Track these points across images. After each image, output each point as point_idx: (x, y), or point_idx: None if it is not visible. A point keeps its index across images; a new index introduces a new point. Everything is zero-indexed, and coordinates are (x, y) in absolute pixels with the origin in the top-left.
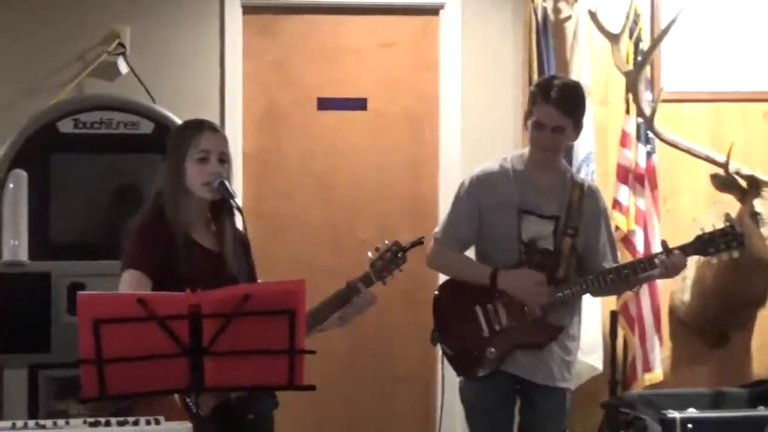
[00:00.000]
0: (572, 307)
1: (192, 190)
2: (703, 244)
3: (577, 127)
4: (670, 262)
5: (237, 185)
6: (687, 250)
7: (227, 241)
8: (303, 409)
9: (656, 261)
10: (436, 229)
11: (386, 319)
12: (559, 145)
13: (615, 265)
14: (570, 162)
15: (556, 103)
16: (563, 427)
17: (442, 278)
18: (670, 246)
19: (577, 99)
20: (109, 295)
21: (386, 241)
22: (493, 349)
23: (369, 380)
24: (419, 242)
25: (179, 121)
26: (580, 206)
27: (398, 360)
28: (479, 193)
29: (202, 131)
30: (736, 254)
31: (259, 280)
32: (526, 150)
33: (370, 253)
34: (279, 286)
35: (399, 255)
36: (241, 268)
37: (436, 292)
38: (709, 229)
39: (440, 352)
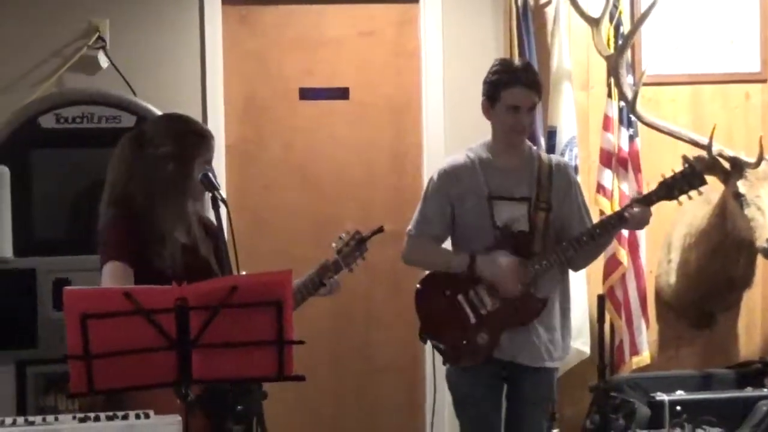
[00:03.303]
0: (555, 283)
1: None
2: (667, 189)
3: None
4: (637, 213)
5: (220, 177)
6: (653, 197)
7: (193, 227)
8: (290, 401)
9: (625, 215)
10: (410, 226)
11: (372, 310)
12: (533, 126)
13: (586, 228)
14: (553, 147)
15: (526, 83)
16: (552, 409)
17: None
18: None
19: (537, 76)
20: (95, 290)
21: (348, 229)
22: (483, 334)
23: (355, 371)
24: (379, 230)
25: (160, 114)
26: (550, 182)
27: (384, 350)
28: (448, 186)
29: (209, 144)
30: (700, 194)
31: (243, 272)
32: (489, 138)
33: (333, 243)
34: (266, 277)
35: (360, 245)
36: (209, 252)
37: (418, 287)
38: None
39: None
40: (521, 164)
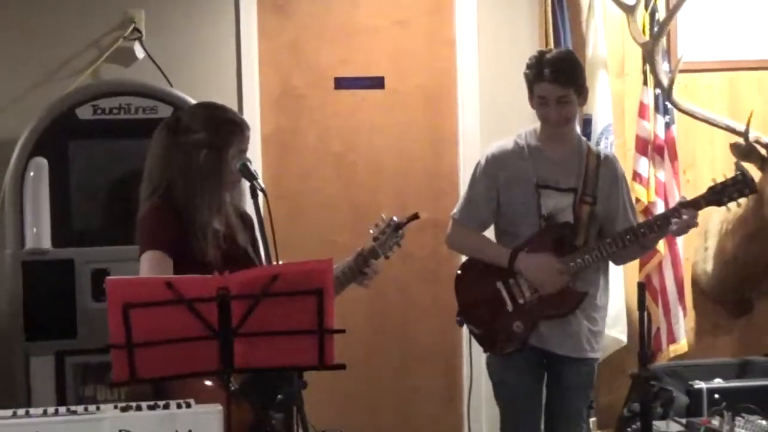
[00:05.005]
0: (596, 274)
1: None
2: (716, 194)
3: (581, 91)
4: (684, 219)
5: (257, 167)
6: (701, 202)
7: (231, 217)
8: (328, 388)
9: (672, 219)
10: (454, 210)
11: (408, 297)
12: (568, 116)
13: (631, 226)
14: (588, 135)
15: (551, 80)
16: (590, 398)
17: (463, 256)
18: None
19: (571, 68)
20: (137, 280)
21: (383, 216)
22: (519, 323)
23: (392, 358)
24: (415, 217)
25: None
26: (597, 174)
27: (421, 337)
28: (495, 171)
29: (244, 133)
30: (752, 202)
31: (281, 261)
32: (539, 125)
33: (371, 230)
34: (306, 265)
35: (397, 231)
36: (247, 242)
37: (458, 272)
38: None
39: (465, 329)
40: (569, 155)
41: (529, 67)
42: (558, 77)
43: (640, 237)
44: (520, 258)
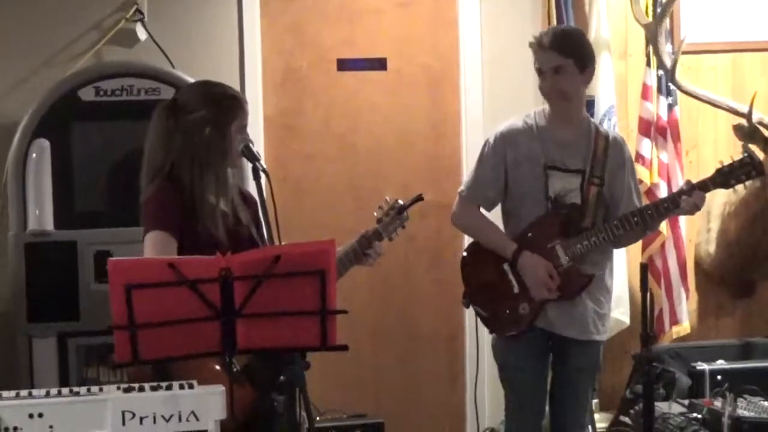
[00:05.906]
0: (603, 256)
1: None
2: (723, 176)
3: (583, 69)
4: (691, 200)
5: (259, 148)
6: (709, 184)
7: (234, 196)
8: (332, 371)
9: (680, 200)
10: (462, 186)
11: (412, 279)
12: (562, 88)
13: (638, 207)
14: (591, 116)
15: (549, 45)
16: (595, 381)
17: (468, 239)
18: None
19: (572, 39)
20: (139, 261)
21: (387, 199)
22: (526, 305)
23: (396, 341)
24: (419, 199)
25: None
26: (605, 156)
27: (424, 320)
28: (504, 150)
29: (244, 107)
30: (757, 183)
31: (283, 242)
32: (548, 105)
33: (375, 212)
34: (309, 246)
35: (400, 214)
36: (250, 221)
37: (464, 254)
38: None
39: (468, 312)
40: (578, 136)
41: (533, 38)
42: (554, 44)
43: (648, 219)
44: (525, 255)
